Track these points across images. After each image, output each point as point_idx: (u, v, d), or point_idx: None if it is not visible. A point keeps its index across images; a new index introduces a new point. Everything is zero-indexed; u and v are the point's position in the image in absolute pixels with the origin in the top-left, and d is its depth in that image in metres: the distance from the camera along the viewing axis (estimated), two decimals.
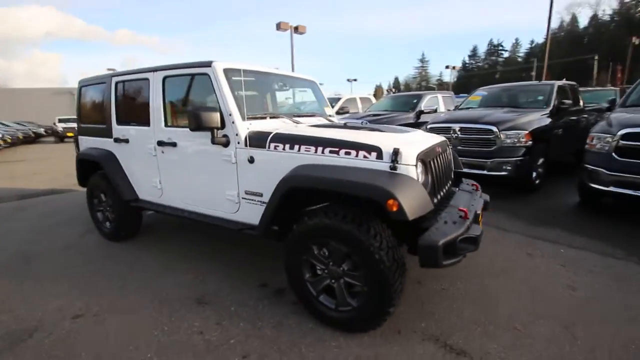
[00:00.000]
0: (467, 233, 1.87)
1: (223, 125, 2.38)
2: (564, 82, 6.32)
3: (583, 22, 56.01)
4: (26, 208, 5.06)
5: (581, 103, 6.52)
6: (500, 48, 65.76)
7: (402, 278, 1.84)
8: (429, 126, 5.44)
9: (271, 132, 2.31)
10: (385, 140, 2.04)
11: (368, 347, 1.90)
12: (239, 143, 2.38)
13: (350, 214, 1.87)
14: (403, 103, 7.78)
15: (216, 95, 2.45)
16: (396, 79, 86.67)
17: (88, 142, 3.68)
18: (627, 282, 2.52)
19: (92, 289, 2.64)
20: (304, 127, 2.53)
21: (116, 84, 3.22)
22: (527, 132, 4.74)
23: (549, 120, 5.23)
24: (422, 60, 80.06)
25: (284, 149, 2.21)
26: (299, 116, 3.00)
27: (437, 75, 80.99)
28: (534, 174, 5.01)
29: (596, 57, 31.58)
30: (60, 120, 19.92)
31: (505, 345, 1.89)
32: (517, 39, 78.43)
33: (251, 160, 2.35)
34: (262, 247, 3.33)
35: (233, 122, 2.38)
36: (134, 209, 3.41)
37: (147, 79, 2.91)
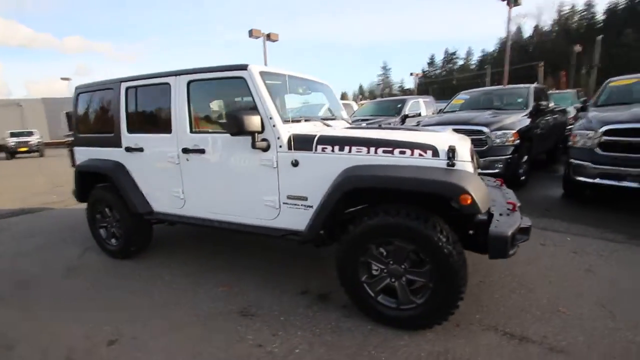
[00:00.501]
0: (522, 224, 1.98)
1: (262, 129, 2.32)
2: (536, 85, 6.87)
3: (528, 31, 61.11)
4: None
5: (551, 104, 7.11)
6: (455, 57, 70.00)
7: (466, 271, 1.90)
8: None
9: (315, 135, 2.30)
10: (436, 138, 2.10)
11: (435, 343, 1.93)
12: (280, 147, 2.34)
13: (414, 212, 1.90)
14: (388, 108, 8.03)
15: (254, 98, 2.40)
16: (360, 87, 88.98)
17: (88, 153, 3.40)
18: (636, 263, 2.77)
19: (118, 312, 2.44)
20: (342, 130, 2.54)
21: (127, 89, 3.02)
22: (514, 131, 5.09)
23: (529, 120, 5.64)
24: (385, 68, 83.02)
25: (332, 150, 2.21)
26: (325, 119, 3.00)
27: (399, 82, 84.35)
28: (521, 171, 5.38)
29: (541, 64, 34.52)
30: (12, 135, 18.22)
31: (558, 327, 2.00)
32: (469, 48, 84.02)
33: (295, 163, 2.31)
34: (285, 253, 3.27)
35: (274, 126, 2.34)
36: (145, 223, 3.21)
37: (167, 84, 2.76)
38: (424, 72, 71.04)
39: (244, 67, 2.42)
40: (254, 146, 2.31)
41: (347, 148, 2.17)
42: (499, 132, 5.08)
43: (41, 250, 3.77)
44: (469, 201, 1.72)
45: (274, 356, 1.90)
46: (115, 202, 3.16)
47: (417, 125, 6.18)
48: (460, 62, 70.11)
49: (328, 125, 2.78)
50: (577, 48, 27.74)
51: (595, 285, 2.47)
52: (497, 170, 4.99)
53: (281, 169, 2.37)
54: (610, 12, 51.50)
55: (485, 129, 5.09)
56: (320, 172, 2.23)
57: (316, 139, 2.27)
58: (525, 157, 5.49)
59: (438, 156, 1.99)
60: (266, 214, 2.50)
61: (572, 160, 4.34)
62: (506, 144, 5.06)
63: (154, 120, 2.94)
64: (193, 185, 2.78)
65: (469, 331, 2.01)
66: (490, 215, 2.02)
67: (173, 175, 2.84)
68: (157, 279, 2.90)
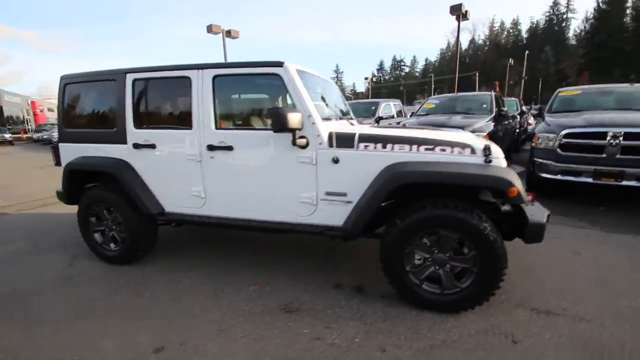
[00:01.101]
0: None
1: (302, 127, 2.34)
2: (494, 92, 7.65)
3: (464, 44, 66.92)
4: None
5: (506, 109, 7.97)
6: (403, 64, 74.20)
7: (507, 255, 2.12)
8: None
9: (355, 133, 2.37)
10: (470, 138, 2.31)
11: (478, 322, 2.12)
12: (320, 144, 2.37)
13: (460, 204, 2.08)
14: (363, 110, 8.32)
15: (291, 96, 2.40)
16: None
17: (78, 150, 3.06)
18: (609, 244, 3.27)
19: (149, 318, 2.27)
20: (379, 129, 2.64)
21: (134, 81, 2.80)
22: (485, 134, 5.63)
23: (493, 124, 6.28)
24: (337, 72, 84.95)
25: (375, 148, 2.30)
26: (341, 119, 3.07)
27: (351, 85, 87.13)
28: None
29: (477, 74, 38.15)
30: None
31: (571, 301, 2.32)
32: (414, 57, 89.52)
33: (336, 160, 2.36)
34: (302, 248, 3.29)
35: (313, 124, 2.37)
36: (152, 224, 3.00)
37: (187, 78, 2.63)
38: (374, 76, 74.25)
39: (279, 64, 2.41)
40: (294, 143, 2.32)
41: (389, 146, 2.28)
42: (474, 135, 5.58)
43: (18, 258, 3.32)
44: (516, 193, 1.94)
45: (337, 347, 1.94)
46: (118, 203, 2.91)
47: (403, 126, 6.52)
48: (407, 69, 74.49)
49: (352, 124, 2.86)
50: (511, 61, 31.15)
51: (584, 264, 2.88)
52: None
53: (320, 165, 2.40)
54: (532, 30, 58.60)
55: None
56: (361, 169, 2.32)
57: (357, 136, 2.34)
58: None
59: (475, 154, 2.19)
60: (302, 211, 2.51)
61: (536, 159, 4.93)
62: None
63: (169, 116, 2.77)
64: (217, 183, 2.67)
65: (502, 310, 2.24)
66: (519, 206, 2.28)
67: (192, 173, 2.71)
68: (176, 283, 2.73)
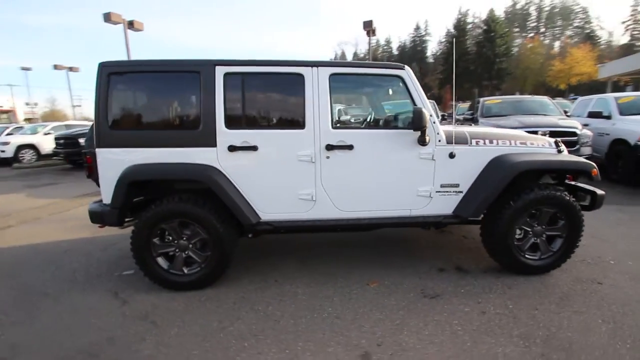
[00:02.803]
0: None
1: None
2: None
3: (349, 56, 73.87)
4: None
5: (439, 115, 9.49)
6: None
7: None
8: None
9: (465, 131, 2.71)
10: (540, 135, 2.93)
11: (568, 276, 2.73)
12: (440, 141, 2.62)
13: (556, 186, 2.65)
14: None
15: (413, 97, 2.58)
16: None
17: (130, 156, 2.47)
18: None
19: (309, 334, 2.09)
20: (478, 127, 3.02)
21: (225, 75, 2.46)
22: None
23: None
24: None
25: (484, 143, 2.69)
26: None
27: None
28: None
29: None
30: None
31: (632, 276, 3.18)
32: None
33: (452, 155, 2.65)
34: (380, 242, 3.42)
35: (434, 122, 2.60)
36: (238, 237, 2.69)
37: (299, 75, 2.48)
38: None
39: (401, 67, 2.56)
40: (423, 142, 2.52)
41: (495, 141, 2.71)
42: None
43: (48, 297, 2.43)
44: (596, 173, 2.62)
45: (505, 314, 2.23)
46: (204, 217, 2.48)
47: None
48: None
49: None
50: None
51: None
52: None
53: (438, 161, 2.65)
54: (401, 48, 68.97)
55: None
56: (472, 162, 2.68)
57: (468, 134, 2.69)
58: None
59: (551, 146, 2.82)
60: (418, 204, 2.70)
61: None
62: None
63: (271, 114, 2.55)
64: (332, 184, 2.60)
65: (574, 266, 2.92)
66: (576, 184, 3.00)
67: (303, 175, 2.57)
68: (289, 296, 2.53)
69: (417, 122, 2.38)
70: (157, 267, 2.57)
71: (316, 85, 2.51)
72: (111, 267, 3.11)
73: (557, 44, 53.95)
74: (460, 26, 54.56)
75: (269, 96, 2.64)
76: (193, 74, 2.47)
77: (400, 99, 2.83)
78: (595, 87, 26.03)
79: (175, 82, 2.53)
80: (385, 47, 72.21)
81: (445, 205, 2.72)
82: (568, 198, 2.61)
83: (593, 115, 6.68)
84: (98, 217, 2.55)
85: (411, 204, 2.70)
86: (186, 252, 2.59)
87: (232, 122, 2.51)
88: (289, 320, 2.23)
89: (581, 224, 2.68)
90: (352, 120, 2.79)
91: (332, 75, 2.54)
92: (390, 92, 2.87)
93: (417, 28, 66.43)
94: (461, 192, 2.71)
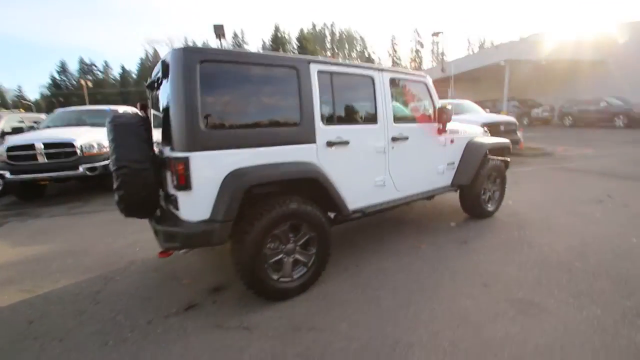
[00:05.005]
0: None
1: None
2: None
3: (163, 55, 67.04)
4: None
5: None
6: (95, 68, 63.25)
7: None
8: None
9: (456, 124, 3.77)
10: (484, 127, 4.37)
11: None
12: (446, 131, 3.56)
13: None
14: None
15: (432, 98, 3.43)
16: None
17: (229, 160, 2.12)
18: None
19: (428, 287, 2.57)
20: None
21: (319, 73, 2.49)
22: None
23: None
24: None
25: (465, 132, 3.83)
26: None
27: (16, 89, 63.59)
28: None
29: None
30: None
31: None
32: (106, 62, 78.42)
33: (452, 141, 3.66)
34: (384, 220, 4.05)
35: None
36: None
37: (370, 77, 2.83)
38: (54, 80, 58.40)
39: (425, 76, 3.34)
40: (442, 132, 3.41)
41: (467, 132, 3.90)
42: None
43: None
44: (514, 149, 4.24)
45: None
46: (314, 214, 2.45)
47: None
48: (100, 75, 64.15)
49: None
50: None
51: None
52: None
53: (447, 146, 3.61)
54: None
55: None
56: (460, 145, 3.79)
57: (458, 126, 3.76)
58: None
59: (486, 134, 4.30)
60: (437, 179, 3.57)
61: None
62: None
63: (356, 111, 2.77)
64: (395, 170, 3.09)
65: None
66: None
67: (376, 164, 2.95)
68: (375, 301, 2.44)
69: (448, 118, 3.23)
70: (268, 279, 2.32)
71: (382, 87, 2.93)
72: (160, 309, 2.40)
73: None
74: (278, 40, 60.16)
75: (349, 94, 2.82)
76: (291, 69, 2.39)
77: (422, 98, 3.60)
78: None
79: (272, 77, 2.34)
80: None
81: (448, 178, 3.71)
82: (502, 166, 4.12)
83: None
84: (204, 236, 2.04)
85: (434, 180, 3.54)
86: (293, 256, 2.46)
87: (326, 118, 2.59)
88: (405, 283, 2.61)
89: (505, 179, 4.27)
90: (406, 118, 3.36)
91: (391, 79, 3.03)
92: (416, 93, 3.59)
93: (235, 35, 68.15)
94: (455, 168, 3.77)
